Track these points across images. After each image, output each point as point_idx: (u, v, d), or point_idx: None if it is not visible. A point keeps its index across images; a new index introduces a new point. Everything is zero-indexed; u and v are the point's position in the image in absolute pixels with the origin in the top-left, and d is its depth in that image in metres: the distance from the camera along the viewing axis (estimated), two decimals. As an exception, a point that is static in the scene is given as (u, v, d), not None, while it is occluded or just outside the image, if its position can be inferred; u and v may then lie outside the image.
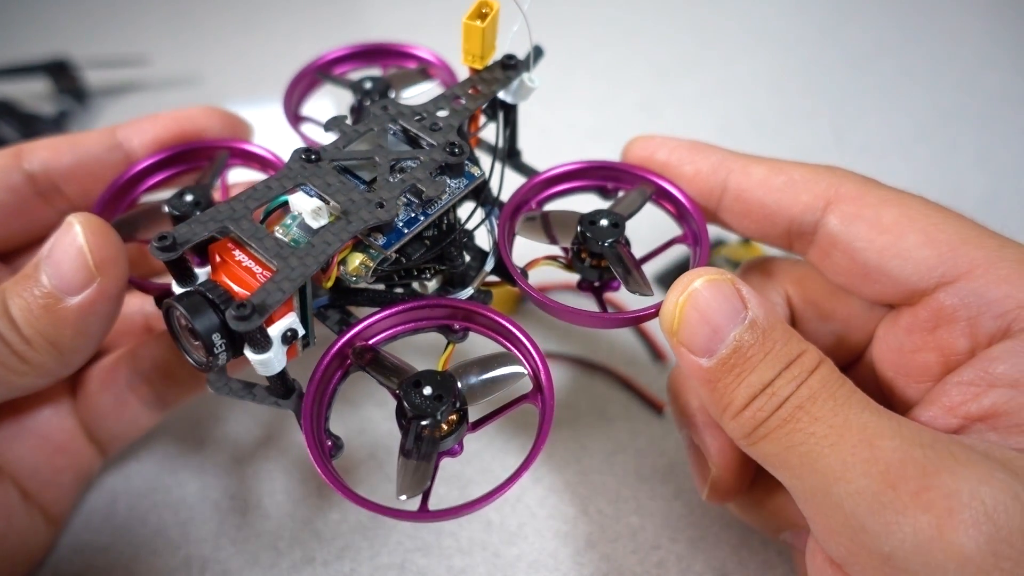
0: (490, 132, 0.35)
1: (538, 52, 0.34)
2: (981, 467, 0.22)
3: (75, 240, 0.27)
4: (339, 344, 0.29)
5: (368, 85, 0.37)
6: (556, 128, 0.63)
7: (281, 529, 0.38)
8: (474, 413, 0.28)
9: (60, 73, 0.66)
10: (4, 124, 0.60)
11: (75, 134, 0.35)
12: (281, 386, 0.28)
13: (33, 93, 0.66)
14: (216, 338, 0.25)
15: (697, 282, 0.26)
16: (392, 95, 0.37)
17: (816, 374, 0.25)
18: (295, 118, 0.38)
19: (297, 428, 0.42)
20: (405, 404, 0.27)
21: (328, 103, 0.55)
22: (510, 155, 0.37)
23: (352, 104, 0.37)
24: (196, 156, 0.36)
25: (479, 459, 0.40)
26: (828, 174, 0.30)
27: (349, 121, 0.31)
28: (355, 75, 0.39)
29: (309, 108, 0.40)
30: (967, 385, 0.26)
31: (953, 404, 0.26)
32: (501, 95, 0.33)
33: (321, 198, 0.28)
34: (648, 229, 0.36)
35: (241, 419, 0.43)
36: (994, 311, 0.26)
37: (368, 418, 0.43)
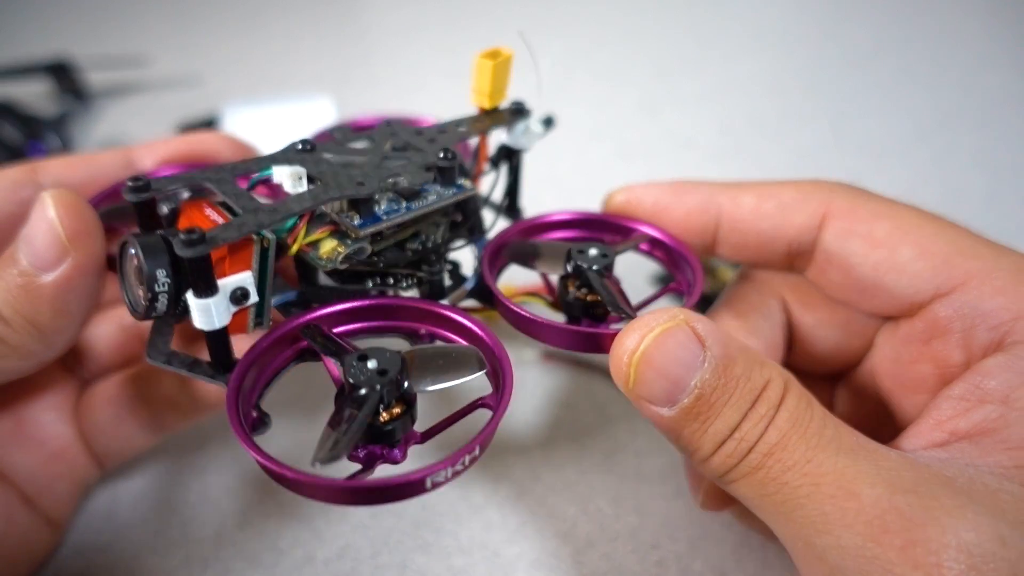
0: (488, 182, 0.35)
1: (549, 123, 0.35)
2: (967, 511, 0.21)
3: (46, 215, 0.27)
4: (295, 323, 0.28)
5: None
6: (556, 128, 0.63)
7: (282, 528, 0.38)
8: (424, 423, 0.27)
9: (61, 74, 0.66)
10: (5, 124, 0.60)
11: (90, 154, 0.36)
12: (223, 354, 0.27)
13: (34, 93, 0.66)
14: (160, 274, 0.24)
15: (651, 335, 0.24)
16: None
17: (783, 408, 0.24)
18: None
19: (298, 429, 0.42)
20: (348, 379, 0.24)
21: (328, 103, 0.55)
22: (511, 210, 0.37)
23: None
24: None
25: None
26: (818, 191, 0.30)
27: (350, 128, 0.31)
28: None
29: (310, 109, 0.40)
30: (957, 400, 0.26)
31: (942, 419, 0.26)
32: (506, 140, 0.34)
33: (310, 179, 0.28)
34: (642, 278, 0.35)
35: (242, 419, 0.43)
36: (989, 323, 0.26)
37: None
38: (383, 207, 0.29)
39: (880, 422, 0.31)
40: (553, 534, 0.37)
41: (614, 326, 0.29)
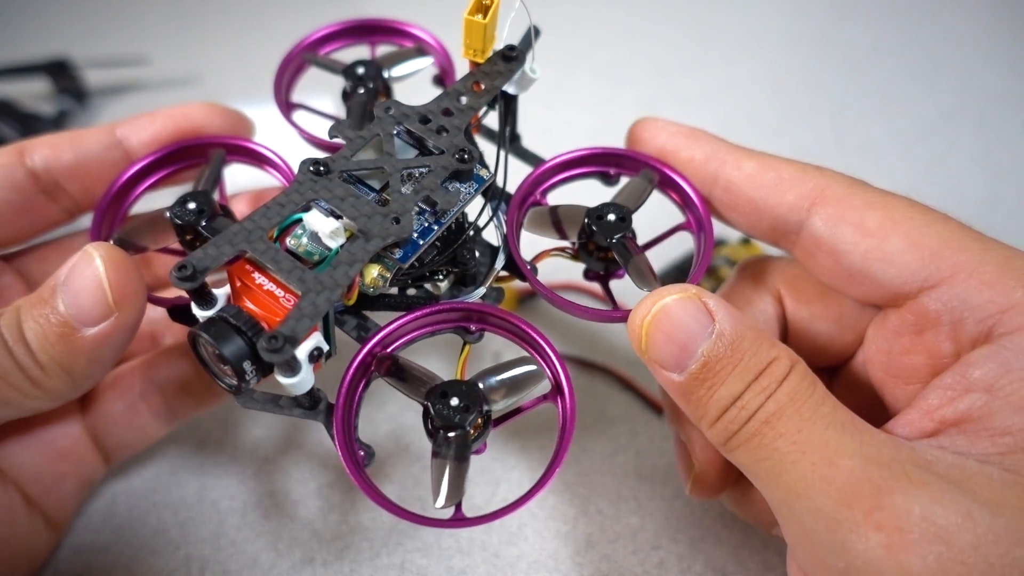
0: (491, 120, 0.35)
1: (535, 32, 0.34)
2: (935, 487, 0.22)
3: (95, 274, 0.27)
4: (362, 354, 0.29)
5: (360, 71, 0.36)
6: (556, 128, 0.63)
7: (281, 530, 0.38)
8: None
9: (60, 73, 0.66)
10: (4, 124, 0.60)
11: (75, 131, 0.35)
12: (308, 399, 0.28)
13: (33, 93, 0.66)
14: (247, 365, 0.25)
15: (661, 302, 0.26)
16: (385, 74, 0.37)
17: (785, 384, 0.25)
18: (287, 106, 0.38)
19: (297, 429, 0.42)
20: (433, 415, 0.27)
21: (328, 101, 0.55)
22: (511, 140, 0.37)
23: (344, 89, 0.37)
24: (193, 153, 0.36)
25: (480, 461, 0.40)
26: (816, 174, 0.30)
27: (342, 110, 0.30)
28: (344, 55, 0.39)
29: (306, 102, 0.39)
30: (945, 389, 0.26)
31: (931, 408, 0.26)
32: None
33: (334, 214, 0.28)
34: (650, 217, 0.35)
35: (241, 421, 0.43)
36: (976, 315, 0.26)
37: (367, 418, 0.43)
38: (415, 228, 0.29)
39: (874, 413, 0.32)
40: (553, 535, 0.37)
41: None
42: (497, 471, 0.40)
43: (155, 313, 0.38)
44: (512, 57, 0.33)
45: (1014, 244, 0.28)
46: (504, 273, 0.33)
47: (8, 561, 0.33)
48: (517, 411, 0.29)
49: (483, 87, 0.32)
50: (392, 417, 0.42)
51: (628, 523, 0.38)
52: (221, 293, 0.28)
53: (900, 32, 0.73)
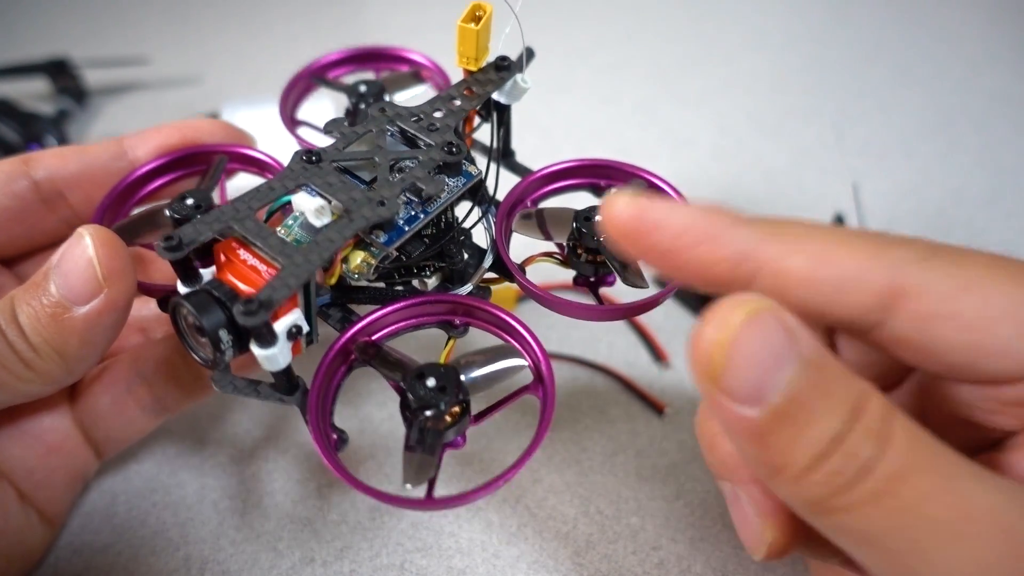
0: (484, 133, 0.35)
1: (529, 54, 0.34)
2: None
3: (85, 251, 0.27)
4: (343, 340, 0.29)
5: (363, 88, 0.37)
6: (556, 128, 0.63)
7: (280, 530, 0.38)
8: (476, 405, 0.29)
9: (59, 73, 0.66)
10: (3, 124, 0.60)
11: (82, 145, 0.36)
12: (286, 382, 0.29)
13: (32, 93, 0.66)
14: (223, 335, 0.26)
15: (739, 316, 0.20)
16: (387, 98, 0.38)
17: (897, 424, 0.20)
18: (291, 122, 0.39)
19: (296, 429, 0.42)
20: (409, 396, 0.27)
21: (328, 104, 0.55)
22: (504, 155, 0.37)
23: (347, 107, 0.38)
24: (195, 161, 0.36)
25: (478, 459, 0.40)
26: (886, 260, 0.23)
27: (346, 123, 0.31)
28: (349, 79, 0.40)
29: (308, 109, 0.40)
30: None
31: None
32: (495, 96, 0.34)
33: (323, 197, 0.28)
34: None
35: (240, 420, 0.43)
36: None
37: (367, 418, 0.43)
38: (402, 215, 0.29)
39: None
40: (553, 535, 0.37)
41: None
42: (475, 471, 0.40)
43: (145, 310, 0.38)
44: (504, 67, 0.33)
45: (1014, 244, 0.27)
46: (492, 275, 0.33)
47: (4, 556, 0.33)
48: (497, 405, 0.29)
49: (474, 92, 0.33)
50: (393, 416, 0.42)
51: (628, 523, 0.38)
52: (207, 273, 0.28)
53: (900, 32, 0.73)
